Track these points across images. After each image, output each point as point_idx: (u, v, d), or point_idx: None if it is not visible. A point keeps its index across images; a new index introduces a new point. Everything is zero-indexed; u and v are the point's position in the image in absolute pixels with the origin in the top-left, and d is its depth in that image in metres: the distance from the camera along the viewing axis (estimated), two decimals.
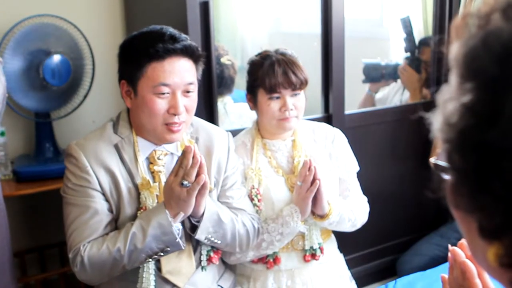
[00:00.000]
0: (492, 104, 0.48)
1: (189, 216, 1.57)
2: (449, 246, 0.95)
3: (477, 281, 0.89)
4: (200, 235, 1.60)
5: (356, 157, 2.00)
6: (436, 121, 0.55)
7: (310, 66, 2.42)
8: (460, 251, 0.92)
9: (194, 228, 1.60)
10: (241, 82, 2.34)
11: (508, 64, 0.48)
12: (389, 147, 2.77)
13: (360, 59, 2.88)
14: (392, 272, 2.74)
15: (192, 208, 1.52)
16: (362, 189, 2.00)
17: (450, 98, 0.53)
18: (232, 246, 1.71)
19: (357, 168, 1.98)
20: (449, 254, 0.94)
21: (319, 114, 2.51)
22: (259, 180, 1.83)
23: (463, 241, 0.92)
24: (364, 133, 2.65)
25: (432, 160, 0.60)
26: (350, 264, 2.15)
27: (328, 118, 2.48)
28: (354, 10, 2.69)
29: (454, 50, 0.54)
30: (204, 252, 1.71)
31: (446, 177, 0.56)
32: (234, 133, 1.96)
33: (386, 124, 2.74)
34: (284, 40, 2.81)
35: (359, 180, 2.00)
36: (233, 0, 2.66)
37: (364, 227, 1.98)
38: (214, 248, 1.72)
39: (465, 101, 0.50)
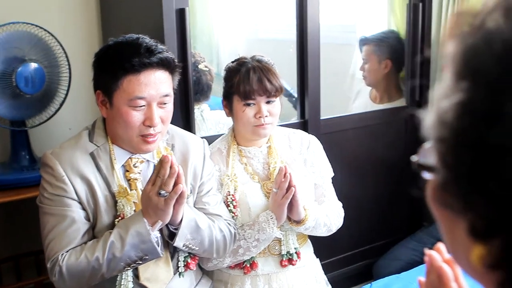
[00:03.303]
0: (491, 103, 0.47)
1: (167, 223, 1.58)
2: (426, 250, 0.96)
3: (453, 285, 0.89)
4: (178, 242, 1.61)
5: (332, 162, 2.03)
6: (428, 119, 0.53)
7: (287, 72, 2.45)
8: (437, 255, 0.91)
9: (172, 235, 1.61)
10: (218, 89, 2.35)
11: (509, 64, 0.47)
12: (364, 152, 2.80)
13: (335, 64, 2.93)
14: (368, 276, 2.77)
15: (170, 217, 1.52)
16: (337, 194, 2.03)
17: (444, 96, 0.52)
18: (210, 252, 1.72)
19: (332, 174, 2.01)
20: (426, 258, 0.94)
21: (295, 120, 2.54)
22: (235, 186, 1.84)
23: (439, 244, 0.91)
24: (339, 138, 2.68)
25: (414, 158, 0.58)
26: (327, 268, 2.17)
27: (304, 124, 2.51)
28: (329, 16, 2.73)
29: (450, 48, 0.53)
30: (181, 259, 1.72)
31: (429, 176, 0.55)
32: (211, 139, 1.97)
33: (361, 129, 2.78)
34: (261, 46, 2.84)
35: (334, 185, 2.02)
36: (210, 7, 2.68)
37: (340, 231, 2.01)
38: (191, 254, 1.73)
39: (461, 99, 0.49)
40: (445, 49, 0.54)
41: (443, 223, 0.57)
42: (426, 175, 0.56)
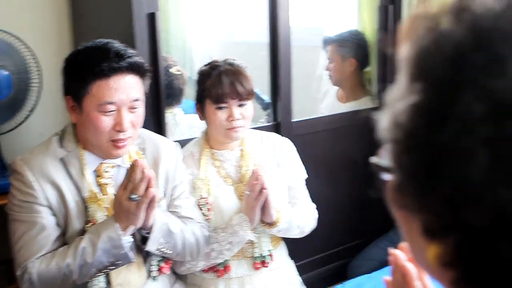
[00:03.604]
0: (442, 105, 0.48)
1: (139, 228, 1.57)
2: (390, 249, 0.97)
3: (417, 283, 0.89)
4: (151, 246, 1.61)
5: (305, 164, 2.04)
6: (384, 121, 0.54)
7: (260, 75, 2.46)
8: (401, 254, 0.92)
9: (144, 239, 1.61)
10: (191, 93, 2.35)
11: (459, 66, 0.48)
12: (337, 154, 2.82)
13: (306, 66, 2.95)
14: (343, 276, 2.79)
15: (142, 221, 1.52)
16: (311, 196, 2.04)
17: (399, 98, 0.53)
18: (183, 256, 1.73)
19: (305, 176, 2.02)
20: (391, 257, 0.96)
21: (267, 122, 2.55)
22: (208, 189, 1.84)
23: (403, 244, 0.94)
24: (312, 140, 2.69)
25: (373, 160, 0.60)
26: (302, 270, 2.19)
27: (276, 126, 2.52)
28: (299, 19, 2.75)
29: (404, 50, 0.54)
30: (154, 263, 1.71)
31: (387, 177, 0.57)
32: (185, 143, 1.97)
33: (333, 131, 2.79)
34: (235, 49, 2.84)
35: (307, 187, 2.04)
36: (182, 10, 2.67)
37: (314, 233, 2.02)
38: (164, 258, 1.73)
39: (414, 101, 0.50)
40: (400, 52, 0.55)
41: (402, 223, 0.59)
42: (385, 176, 0.58)
